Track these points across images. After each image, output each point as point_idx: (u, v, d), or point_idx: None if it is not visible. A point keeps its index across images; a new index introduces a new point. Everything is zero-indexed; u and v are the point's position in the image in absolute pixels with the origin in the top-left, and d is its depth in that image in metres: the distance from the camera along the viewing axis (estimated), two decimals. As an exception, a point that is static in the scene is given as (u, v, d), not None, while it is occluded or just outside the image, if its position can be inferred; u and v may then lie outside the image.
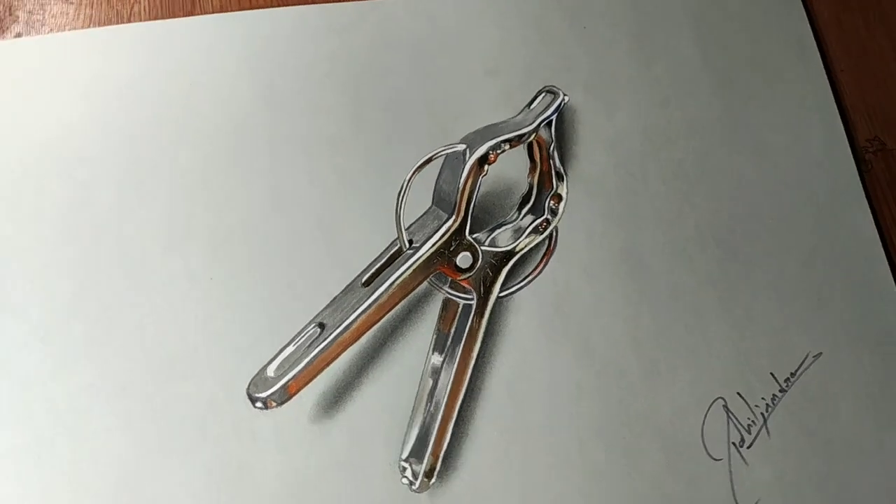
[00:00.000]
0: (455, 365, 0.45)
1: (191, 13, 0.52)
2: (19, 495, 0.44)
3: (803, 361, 0.48)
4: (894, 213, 0.52)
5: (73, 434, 0.45)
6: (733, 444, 0.47)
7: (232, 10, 0.52)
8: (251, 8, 0.53)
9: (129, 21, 0.52)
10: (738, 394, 0.47)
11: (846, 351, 0.48)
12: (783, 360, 0.48)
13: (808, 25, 0.54)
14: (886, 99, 0.54)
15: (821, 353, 0.48)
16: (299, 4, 0.53)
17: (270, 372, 0.43)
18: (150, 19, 0.52)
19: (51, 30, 0.52)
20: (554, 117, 0.47)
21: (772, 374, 0.48)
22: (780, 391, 0.48)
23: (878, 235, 0.50)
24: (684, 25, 0.53)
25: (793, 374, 0.48)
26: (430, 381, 0.46)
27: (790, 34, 0.54)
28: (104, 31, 0.52)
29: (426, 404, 0.46)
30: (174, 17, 0.52)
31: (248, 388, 0.43)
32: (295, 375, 0.42)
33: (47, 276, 0.47)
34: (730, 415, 0.47)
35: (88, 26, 0.52)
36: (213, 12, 0.52)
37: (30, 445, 0.45)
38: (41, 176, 0.49)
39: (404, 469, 0.45)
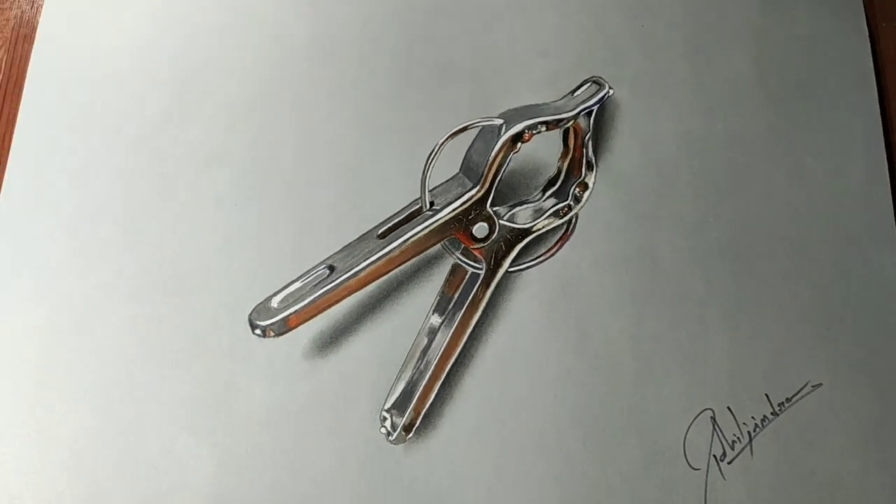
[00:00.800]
0: (452, 328, 0.46)
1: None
2: (19, 375, 0.46)
3: (801, 389, 0.47)
4: (924, 260, 0.50)
5: (81, 326, 0.47)
6: (714, 456, 0.46)
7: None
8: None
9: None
10: (729, 408, 0.47)
11: (847, 387, 0.47)
12: (781, 383, 0.47)
13: (871, 59, 0.53)
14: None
15: (821, 384, 0.47)
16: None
17: (274, 303, 0.44)
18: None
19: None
20: (596, 108, 0.48)
21: (766, 395, 0.47)
22: (771, 413, 0.47)
23: (903, 279, 0.49)
24: (743, 39, 0.53)
25: (788, 400, 0.47)
26: (426, 340, 0.47)
27: (851, 65, 0.53)
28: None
29: (417, 361, 0.47)
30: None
31: (250, 315, 0.44)
32: (297, 310, 0.43)
33: (86, 176, 0.50)
34: (716, 427, 0.46)
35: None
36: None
37: (39, 329, 0.47)
38: (95, 81, 0.51)
39: (385, 419, 0.46)
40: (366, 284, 0.44)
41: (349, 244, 0.46)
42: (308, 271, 0.45)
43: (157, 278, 0.48)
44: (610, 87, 0.49)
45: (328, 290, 0.43)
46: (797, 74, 0.53)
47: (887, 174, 0.51)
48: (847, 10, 0.54)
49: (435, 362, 0.46)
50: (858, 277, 0.49)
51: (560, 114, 0.46)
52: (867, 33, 0.53)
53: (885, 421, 0.47)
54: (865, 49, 0.53)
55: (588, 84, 0.50)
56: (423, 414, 0.46)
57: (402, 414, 0.46)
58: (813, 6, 0.54)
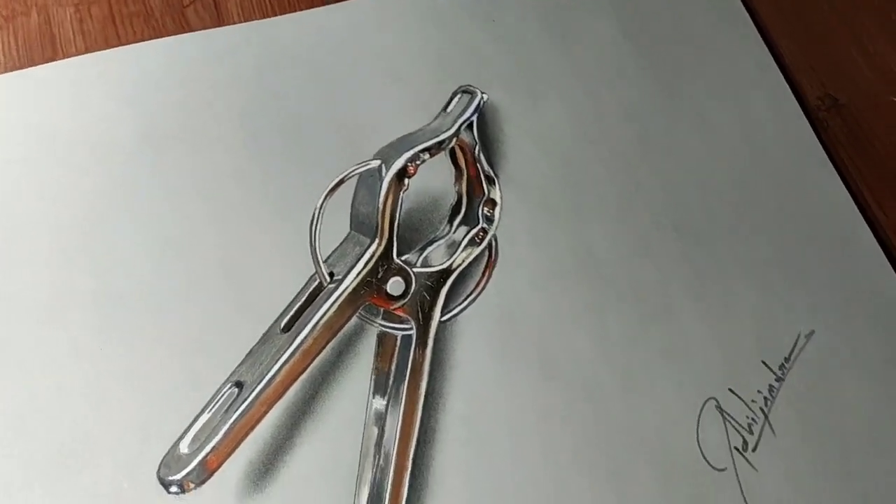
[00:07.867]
0: (402, 406, 0.39)
1: (52, 59, 0.47)
2: None
3: (795, 343, 0.43)
4: (861, 169, 0.47)
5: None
6: (736, 448, 0.41)
7: (98, 50, 0.47)
8: (119, 44, 0.47)
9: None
10: (731, 390, 0.42)
11: (840, 323, 0.43)
12: (773, 345, 0.43)
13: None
14: (830, 53, 0.50)
15: (813, 331, 0.43)
16: (170, 35, 0.48)
17: (184, 448, 0.37)
18: (7, 71, 0.47)
19: None
20: (475, 118, 0.43)
21: (763, 362, 0.42)
22: (776, 380, 0.42)
23: (848, 195, 0.46)
24: (600, 3, 0.50)
25: (787, 360, 0.42)
26: (376, 430, 0.40)
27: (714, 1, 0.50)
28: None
29: (374, 457, 0.40)
30: (34, 65, 0.47)
31: (158, 472, 0.36)
32: (214, 448, 0.36)
33: None
34: (725, 416, 0.41)
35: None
36: (77, 54, 0.47)
37: None
38: None
39: (359, 538, 0.39)
40: (285, 390, 0.37)
41: (252, 350, 0.39)
42: (213, 397, 0.37)
43: (28, 465, 0.39)
44: (483, 93, 0.44)
45: (243, 411, 0.36)
46: (664, 25, 0.50)
47: (793, 97, 0.48)
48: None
49: (395, 452, 0.39)
50: (806, 209, 0.46)
51: (438, 135, 0.42)
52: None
53: (889, 343, 0.43)
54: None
55: (459, 96, 0.45)
56: (401, 516, 0.39)
57: (376, 524, 0.38)
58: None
